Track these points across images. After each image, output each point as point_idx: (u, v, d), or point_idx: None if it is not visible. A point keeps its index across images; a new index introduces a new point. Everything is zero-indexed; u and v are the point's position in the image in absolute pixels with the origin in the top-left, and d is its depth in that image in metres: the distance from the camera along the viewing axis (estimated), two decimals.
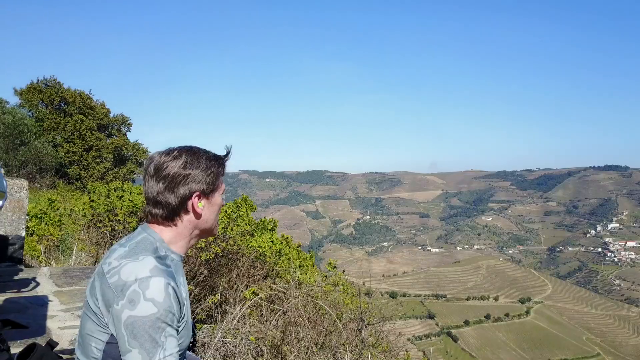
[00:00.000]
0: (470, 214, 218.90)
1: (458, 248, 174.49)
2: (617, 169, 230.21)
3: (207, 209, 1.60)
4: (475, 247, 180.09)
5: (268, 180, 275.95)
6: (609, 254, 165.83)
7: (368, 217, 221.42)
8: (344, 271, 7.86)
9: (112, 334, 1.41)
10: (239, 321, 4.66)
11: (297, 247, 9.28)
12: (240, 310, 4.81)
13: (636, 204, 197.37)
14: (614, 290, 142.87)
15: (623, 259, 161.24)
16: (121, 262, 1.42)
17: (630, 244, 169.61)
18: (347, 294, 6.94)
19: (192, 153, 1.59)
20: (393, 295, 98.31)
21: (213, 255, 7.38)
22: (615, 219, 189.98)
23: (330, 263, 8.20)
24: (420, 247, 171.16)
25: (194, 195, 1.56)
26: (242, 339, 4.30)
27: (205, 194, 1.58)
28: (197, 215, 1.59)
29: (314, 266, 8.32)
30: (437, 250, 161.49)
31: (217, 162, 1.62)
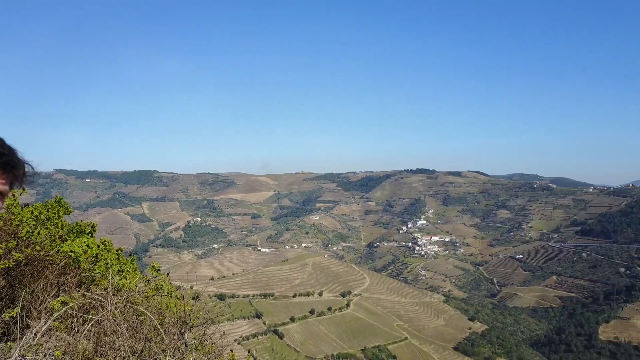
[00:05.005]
0: (300, 214, 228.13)
1: (287, 247, 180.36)
2: (425, 172, 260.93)
3: None
4: (303, 245, 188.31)
5: (88, 180, 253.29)
6: (417, 248, 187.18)
7: (199, 219, 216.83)
8: (168, 274, 7.57)
9: None
10: (42, 336, 4.19)
11: (118, 251, 8.67)
12: (45, 324, 4.32)
13: (440, 203, 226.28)
14: (420, 280, 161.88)
15: (428, 251, 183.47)
16: None
17: (435, 238, 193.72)
18: (171, 297, 6.71)
19: None
20: (222, 297, 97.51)
21: (14, 264, 6.52)
22: (423, 216, 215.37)
23: (153, 267, 7.84)
24: (250, 248, 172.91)
25: None
26: (45, 355, 3.87)
27: None
28: None
29: (135, 270, 7.85)
30: (267, 249, 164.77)
31: None
